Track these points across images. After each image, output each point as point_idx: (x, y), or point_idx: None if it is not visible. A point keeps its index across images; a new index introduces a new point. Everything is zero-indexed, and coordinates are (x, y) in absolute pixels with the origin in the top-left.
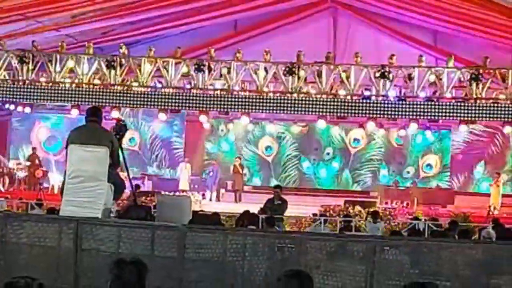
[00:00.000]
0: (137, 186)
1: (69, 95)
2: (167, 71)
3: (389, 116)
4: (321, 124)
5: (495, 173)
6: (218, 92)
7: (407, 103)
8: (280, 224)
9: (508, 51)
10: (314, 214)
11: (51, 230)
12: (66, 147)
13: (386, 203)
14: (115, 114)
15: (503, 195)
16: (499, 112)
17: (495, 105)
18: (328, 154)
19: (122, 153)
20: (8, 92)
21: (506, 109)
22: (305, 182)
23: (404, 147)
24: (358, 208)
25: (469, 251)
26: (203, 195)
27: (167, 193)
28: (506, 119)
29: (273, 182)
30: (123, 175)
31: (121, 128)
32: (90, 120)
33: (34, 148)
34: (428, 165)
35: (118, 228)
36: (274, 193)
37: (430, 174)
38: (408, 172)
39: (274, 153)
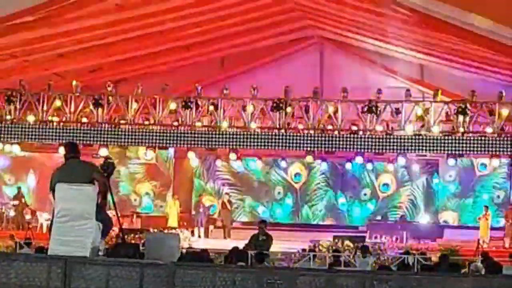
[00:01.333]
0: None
1: (57, 134)
2: (155, 108)
3: (377, 150)
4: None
5: (483, 207)
6: (206, 128)
7: (395, 137)
8: (267, 260)
9: (495, 85)
10: (303, 250)
11: (40, 269)
12: (52, 187)
13: (375, 237)
14: (103, 152)
15: (491, 228)
16: (486, 145)
17: (482, 138)
18: (279, 193)
19: (111, 192)
20: None
21: (493, 142)
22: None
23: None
24: (347, 243)
25: (458, 284)
26: (192, 231)
27: (155, 230)
28: (493, 153)
29: None
30: (111, 213)
31: (108, 166)
32: (71, 156)
33: (19, 188)
34: (385, 184)
35: (107, 267)
36: (259, 229)
37: (388, 193)
38: (365, 194)
39: None
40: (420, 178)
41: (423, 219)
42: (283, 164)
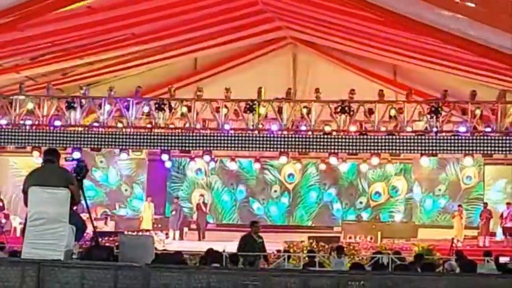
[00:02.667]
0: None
1: (30, 137)
2: (128, 110)
3: (351, 151)
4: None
5: (457, 206)
6: (179, 130)
7: (368, 137)
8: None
9: (468, 84)
10: (278, 251)
11: (14, 273)
12: (24, 190)
13: (350, 238)
14: (76, 155)
15: (466, 227)
16: (459, 144)
17: (456, 137)
18: (275, 191)
19: (83, 193)
20: None
21: (467, 141)
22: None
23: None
24: (321, 243)
25: (433, 284)
26: (167, 234)
27: (129, 232)
28: (466, 152)
29: None
30: (84, 216)
31: (81, 169)
32: (47, 160)
33: None
34: (377, 193)
35: (80, 270)
36: (255, 230)
37: (379, 201)
38: (361, 203)
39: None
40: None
41: (398, 218)
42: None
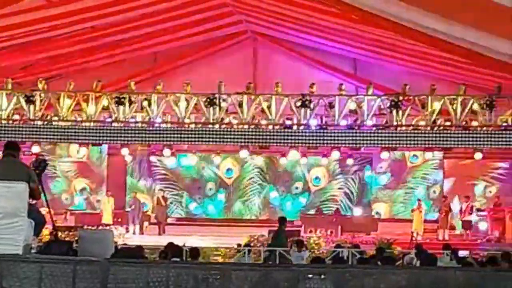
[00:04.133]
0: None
1: None
2: (87, 105)
3: (311, 145)
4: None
5: (417, 200)
6: (139, 124)
7: (329, 131)
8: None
9: (427, 78)
10: (239, 245)
11: None
12: None
13: (311, 231)
14: (35, 149)
15: (425, 221)
16: (419, 139)
17: (416, 131)
18: (210, 189)
19: (42, 188)
20: None
21: (426, 135)
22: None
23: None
24: None
25: (392, 277)
26: (127, 228)
27: (89, 227)
28: (426, 146)
29: None
30: (44, 210)
31: (40, 163)
32: (7, 153)
33: None
34: (317, 177)
35: (39, 264)
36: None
37: (320, 186)
38: (297, 188)
39: None
40: (354, 171)
41: (357, 212)
42: (216, 159)
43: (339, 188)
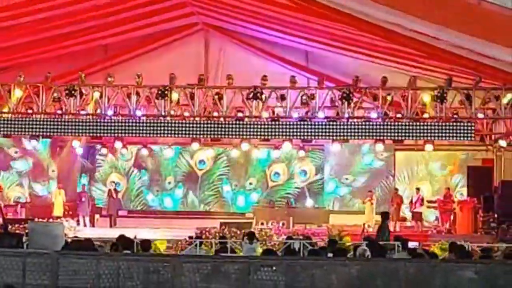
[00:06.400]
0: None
1: None
2: (38, 97)
3: (263, 137)
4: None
5: (368, 191)
6: (90, 117)
7: (280, 123)
8: None
9: (379, 70)
10: (190, 237)
11: None
12: None
13: (262, 223)
14: None
15: (376, 213)
16: (371, 130)
17: (367, 123)
18: (169, 183)
19: None
20: None
21: (378, 127)
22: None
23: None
24: (233, 229)
25: (343, 268)
26: (77, 221)
27: (40, 220)
28: (377, 137)
29: None
30: None
31: None
32: None
33: None
34: (276, 173)
35: None
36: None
37: (278, 182)
38: (251, 184)
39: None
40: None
41: (309, 204)
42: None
43: (294, 182)
